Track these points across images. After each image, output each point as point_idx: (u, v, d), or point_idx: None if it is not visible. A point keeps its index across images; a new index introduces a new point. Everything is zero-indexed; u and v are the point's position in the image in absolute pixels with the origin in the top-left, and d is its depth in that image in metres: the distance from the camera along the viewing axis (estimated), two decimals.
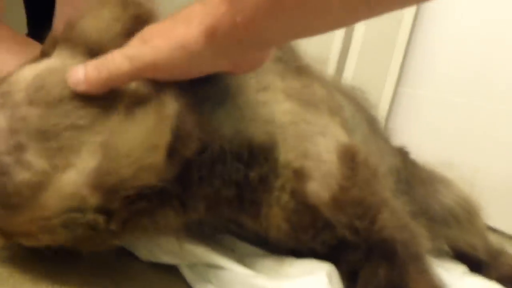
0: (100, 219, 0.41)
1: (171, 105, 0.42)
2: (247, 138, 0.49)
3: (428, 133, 1.28)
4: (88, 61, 0.43)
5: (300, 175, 0.49)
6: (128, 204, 0.41)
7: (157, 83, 0.43)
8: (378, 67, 1.30)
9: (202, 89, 0.47)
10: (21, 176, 0.39)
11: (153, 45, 0.41)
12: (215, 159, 0.47)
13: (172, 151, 0.42)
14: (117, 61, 0.41)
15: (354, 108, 0.68)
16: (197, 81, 0.44)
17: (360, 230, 0.49)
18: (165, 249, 0.52)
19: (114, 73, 0.41)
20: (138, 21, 0.45)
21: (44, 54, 0.46)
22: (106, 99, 0.42)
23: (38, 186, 0.39)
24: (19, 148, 0.39)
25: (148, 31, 0.43)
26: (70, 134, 0.40)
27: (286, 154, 0.50)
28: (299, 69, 0.59)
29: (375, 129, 0.72)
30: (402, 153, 0.76)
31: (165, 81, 0.43)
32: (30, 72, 0.43)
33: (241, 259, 0.52)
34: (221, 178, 0.47)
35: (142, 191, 0.41)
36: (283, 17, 0.38)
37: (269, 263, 0.52)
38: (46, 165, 0.39)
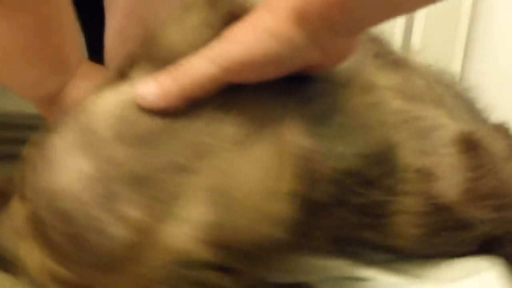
0: (213, 275, 0.34)
1: (292, 139, 0.36)
2: (362, 150, 0.43)
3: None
4: None
5: (422, 175, 0.47)
6: (246, 259, 0.35)
7: (272, 109, 0.38)
8: (444, 40, 1.26)
9: (312, 105, 0.42)
10: (117, 233, 0.33)
11: (238, 40, 0.36)
12: (333, 183, 0.40)
13: (297, 196, 0.35)
14: (198, 66, 0.36)
15: (452, 95, 0.65)
16: (307, 98, 0.41)
17: (503, 223, 0.46)
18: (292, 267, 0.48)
19: (197, 80, 0.36)
20: (231, 20, 0.38)
21: (121, 75, 0.40)
22: (208, 130, 0.36)
23: (138, 244, 0.33)
24: (111, 198, 0.33)
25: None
26: (170, 177, 0.34)
27: (405, 156, 0.47)
28: (396, 62, 0.56)
29: (474, 112, 0.69)
30: (502, 131, 0.72)
31: (251, 82, 0.37)
32: (112, 99, 0.37)
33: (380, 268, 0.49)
34: (340, 204, 0.41)
35: (262, 244, 0.35)
36: None
37: (414, 268, 0.48)
38: (145, 218, 0.33)
